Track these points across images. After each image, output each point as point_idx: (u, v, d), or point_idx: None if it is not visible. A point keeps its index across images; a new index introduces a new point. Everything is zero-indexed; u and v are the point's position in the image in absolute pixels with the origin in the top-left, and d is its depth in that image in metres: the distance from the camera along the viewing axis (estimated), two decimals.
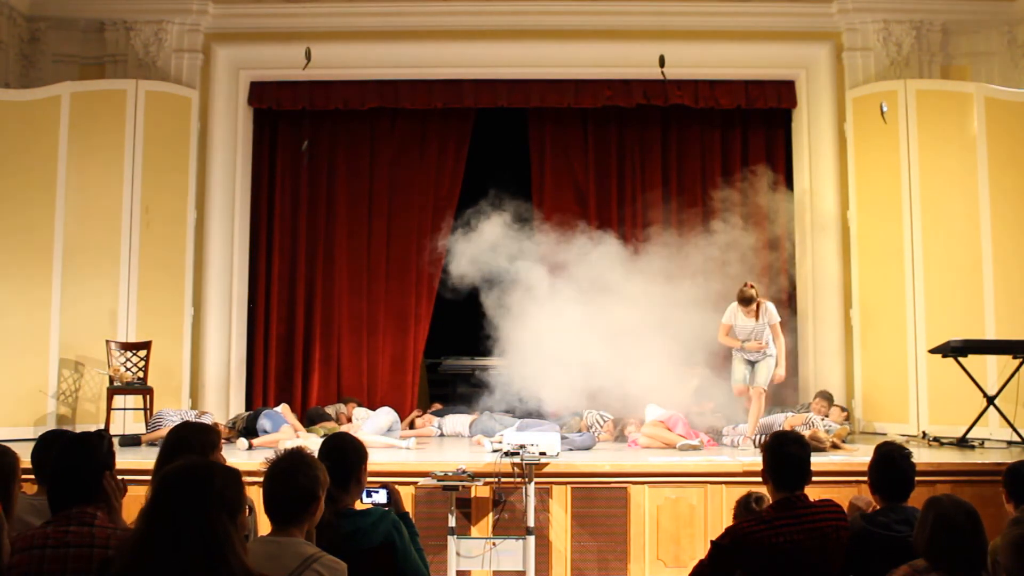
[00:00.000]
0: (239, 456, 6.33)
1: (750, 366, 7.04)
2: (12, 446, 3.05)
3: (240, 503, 2.14)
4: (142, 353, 7.86)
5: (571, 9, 8.85)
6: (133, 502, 3.22)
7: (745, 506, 3.90)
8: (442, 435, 8.16)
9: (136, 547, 2.01)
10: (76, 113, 8.10)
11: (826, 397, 8.08)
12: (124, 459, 6.21)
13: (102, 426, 7.50)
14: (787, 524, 3.00)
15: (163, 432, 6.78)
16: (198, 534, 1.95)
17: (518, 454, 5.59)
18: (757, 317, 6.96)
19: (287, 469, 2.58)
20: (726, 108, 9.14)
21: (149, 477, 3.11)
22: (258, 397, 8.91)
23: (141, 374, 7.82)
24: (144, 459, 6.09)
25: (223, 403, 8.60)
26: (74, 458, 2.71)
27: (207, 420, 7.22)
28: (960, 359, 7.23)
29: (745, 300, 6.89)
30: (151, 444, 7.06)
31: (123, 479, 3.12)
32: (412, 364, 9.25)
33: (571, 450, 6.61)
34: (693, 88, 9.05)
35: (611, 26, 8.83)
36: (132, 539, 2.08)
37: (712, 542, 3.08)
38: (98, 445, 2.78)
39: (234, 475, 2.18)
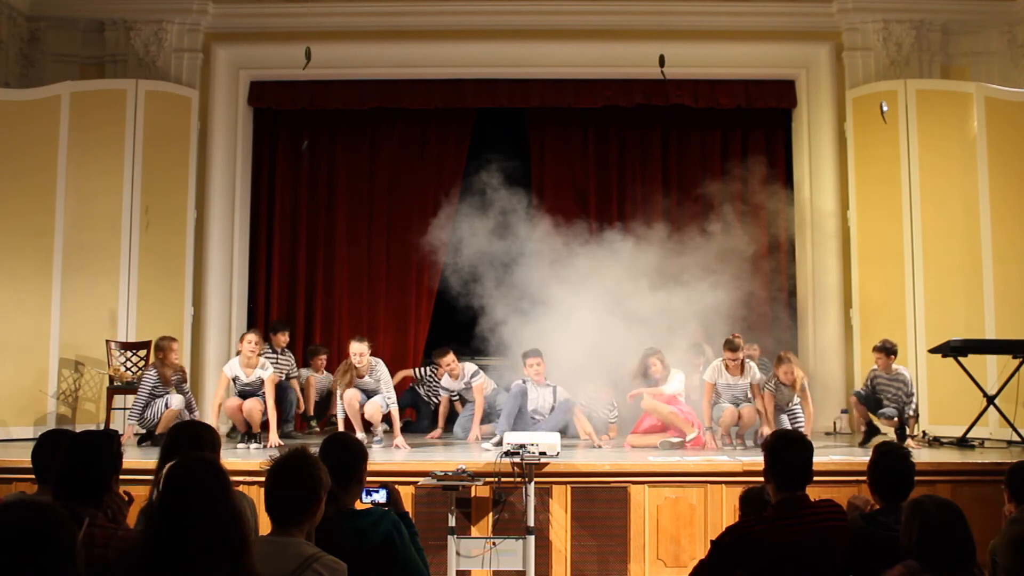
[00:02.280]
0: (239, 455, 6.33)
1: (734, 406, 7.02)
2: (12, 446, 3.05)
3: (241, 501, 2.14)
4: (142, 353, 7.86)
5: (571, 9, 8.86)
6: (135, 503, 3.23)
7: (758, 499, 3.65)
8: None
9: (148, 547, 1.99)
10: (76, 113, 8.10)
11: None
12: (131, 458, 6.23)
13: (102, 425, 7.50)
14: (788, 524, 3.00)
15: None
16: (215, 530, 1.93)
17: (518, 454, 5.58)
18: (741, 373, 6.97)
19: (289, 469, 2.58)
20: (726, 108, 9.14)
21: (150, 477, 3.11)
22: None
23: (141, 374, 7.80)
24: (142, 458, 6.06)
25: None
26: (84, 457, 2.69)
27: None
28: (960, 359, 7.23)
29: (733, 347, 6.88)
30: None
31: (126, 490, 3.12)
32: (412, 364, 9.24)
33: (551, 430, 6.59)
34: (693, 88, 9.07)
35: (611, 26, 8.84)
36: (143, 539, 2.05)
37: (713, 542, 3.07)
38: (107, 446, 2.77)
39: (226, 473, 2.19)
